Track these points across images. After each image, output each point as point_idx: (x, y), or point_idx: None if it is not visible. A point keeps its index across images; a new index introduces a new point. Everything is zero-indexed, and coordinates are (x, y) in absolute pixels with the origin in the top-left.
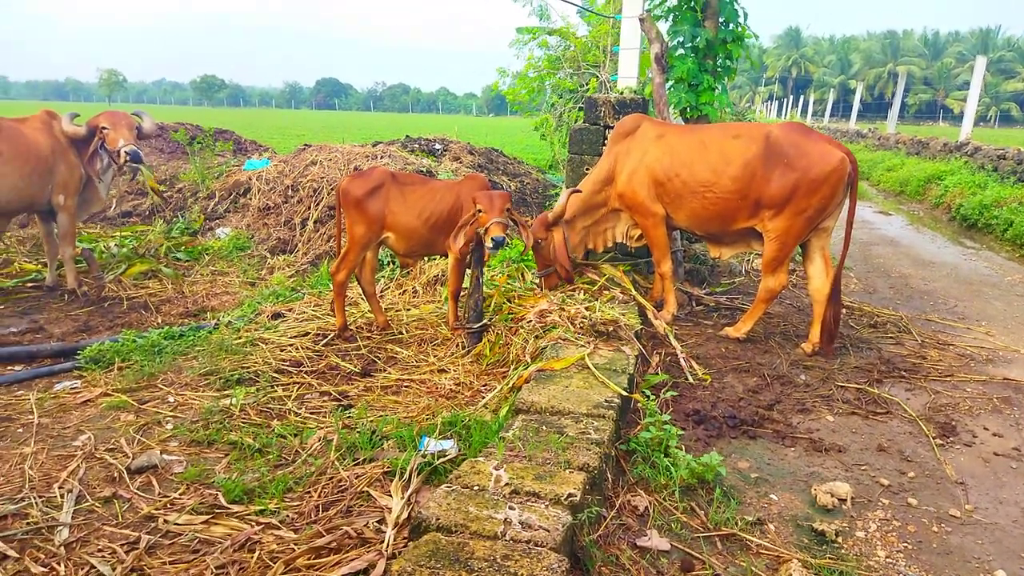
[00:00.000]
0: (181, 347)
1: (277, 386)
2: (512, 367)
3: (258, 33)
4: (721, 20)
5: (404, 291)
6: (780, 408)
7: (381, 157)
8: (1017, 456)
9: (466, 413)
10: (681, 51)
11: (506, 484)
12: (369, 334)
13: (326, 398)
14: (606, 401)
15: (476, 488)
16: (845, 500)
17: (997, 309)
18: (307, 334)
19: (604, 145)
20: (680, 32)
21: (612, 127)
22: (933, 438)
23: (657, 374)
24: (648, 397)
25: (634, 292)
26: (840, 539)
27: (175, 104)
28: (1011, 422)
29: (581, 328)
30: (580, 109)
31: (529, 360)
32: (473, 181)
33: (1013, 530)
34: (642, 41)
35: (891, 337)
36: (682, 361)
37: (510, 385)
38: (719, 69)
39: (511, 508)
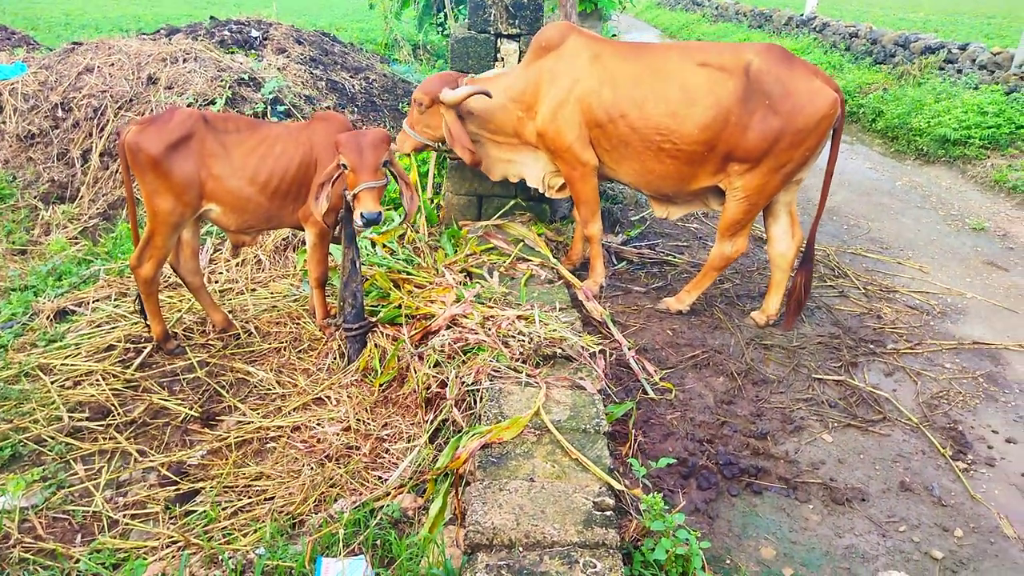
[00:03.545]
0: None
1: (74, 459)
2: (423, 401)
3: None
4: None
5: (243, 261)
6: (769, 431)
7: (184, 60)
8: None
9: (375, 499)
10: None
11: None
12: (205, 340)
13: (154, 478)
14: (596, 506)
15: None
16: None
17: (910, 230)
18: (111, 348)
19: (498, 60)
20: None
21: (505, 36)
22: (951, 458)
23: (619, 402)
24: (640, 478)
25: (557, 265)
26: None
27: None
28: (1012, 415)
29: (520, 352)
30: None
31: (455, 409)
32: (327, 123)
33: None
34: None
35: (831, 286)
36: (633, 364)
37: (442, 466)
38: None
39: None
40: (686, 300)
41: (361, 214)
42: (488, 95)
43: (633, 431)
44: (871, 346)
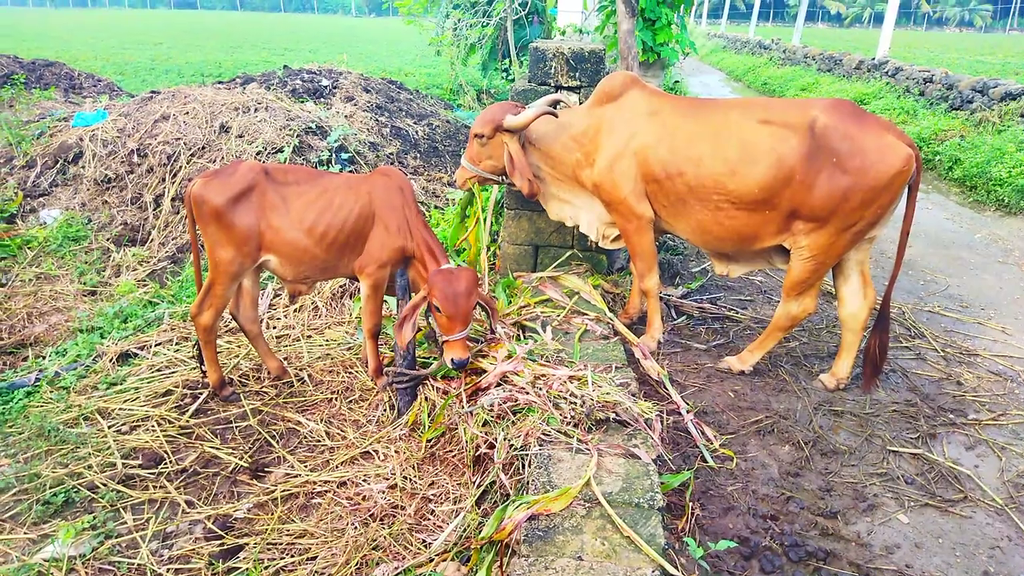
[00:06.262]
0: None
1: (124, 507)
2: (471, 461)
3: None
4: None
5: (300, 307)
6: (839, 509)
7: (255, 109)
8: None
9: (417, 565)
10: None
11: None
12: (260, 387)
13: (200, 531)
14: None
15: None
16: None
17: (991, 287)
18: (169, 393)
19: None
20: None
21: (565, 88)
22: None
23: (675, 470)
24: (698, 560)
25: (613, 320)
26: None
27: None
28: None
29: (572, 415)
30: (484, 25)
31: (502, 473)
32: (387, 179)
33: None
34: None
35: (907, 347)
36: (691, 428)
37: (486, 536)
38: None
39: None
40: (749, 360)
41: (452, 360)
42: (555, 115)
43: (690, 503)
44: (951, 416)
